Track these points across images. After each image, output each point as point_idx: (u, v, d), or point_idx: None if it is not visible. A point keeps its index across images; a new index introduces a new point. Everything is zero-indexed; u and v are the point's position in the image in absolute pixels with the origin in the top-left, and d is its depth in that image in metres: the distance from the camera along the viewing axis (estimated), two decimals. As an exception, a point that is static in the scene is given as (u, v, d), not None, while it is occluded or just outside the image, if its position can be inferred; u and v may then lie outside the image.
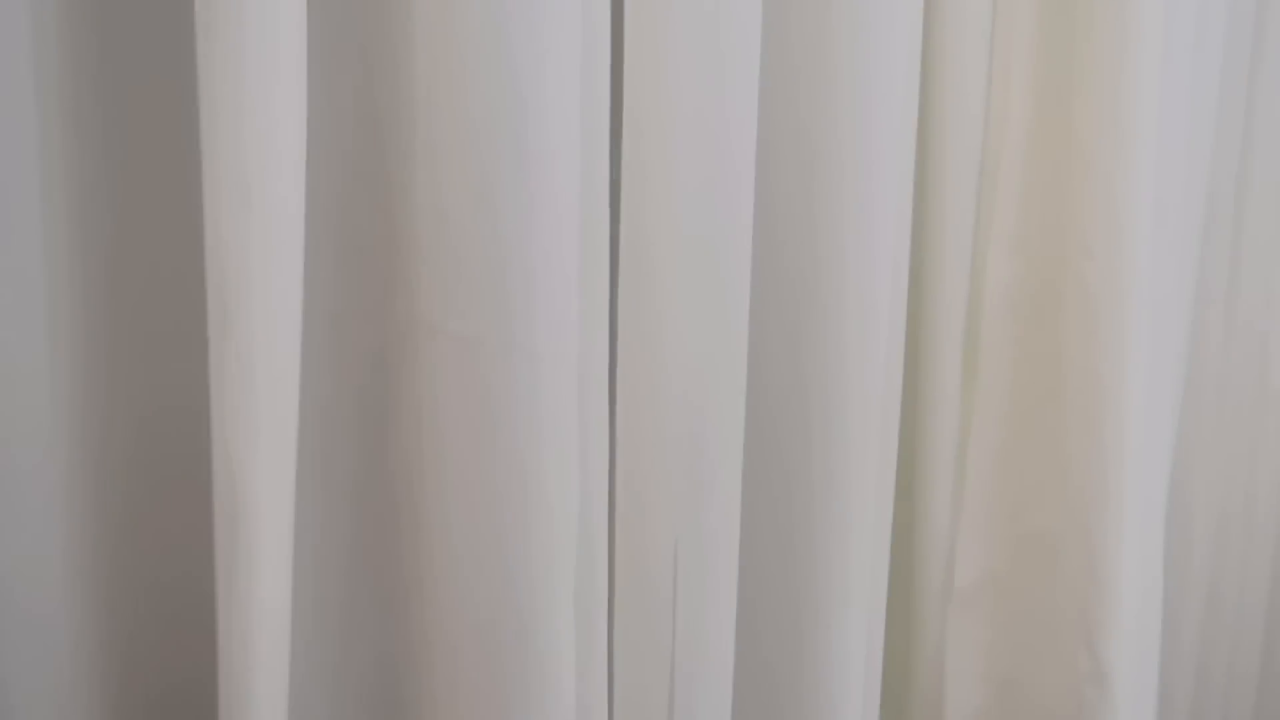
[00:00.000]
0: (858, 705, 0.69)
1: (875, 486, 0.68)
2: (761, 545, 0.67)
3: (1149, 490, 0.76)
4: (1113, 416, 0.70)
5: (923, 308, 0.75)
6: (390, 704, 0.62)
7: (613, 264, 0.58)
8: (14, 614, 0.57)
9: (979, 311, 0.74)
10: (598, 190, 0.56)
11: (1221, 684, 1.06)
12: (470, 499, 0.56)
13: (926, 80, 0.71)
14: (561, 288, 0.54)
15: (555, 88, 0.53)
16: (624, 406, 0.60)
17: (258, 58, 0.48)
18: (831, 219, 0.63)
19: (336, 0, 0.55)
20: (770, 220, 0.62)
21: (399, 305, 0.56)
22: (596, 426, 0.58)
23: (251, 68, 0.48)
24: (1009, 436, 0.76)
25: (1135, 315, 0.69)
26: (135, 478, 0.61)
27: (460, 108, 0.53)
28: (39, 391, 0.56)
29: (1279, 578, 1.08)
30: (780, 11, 0.62)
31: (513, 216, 0.53)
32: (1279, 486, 1.07)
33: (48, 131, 0.55)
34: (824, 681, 0.68)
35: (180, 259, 0.56)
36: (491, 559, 0.57)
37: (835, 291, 0.63)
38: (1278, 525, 1.10)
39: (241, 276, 0.48)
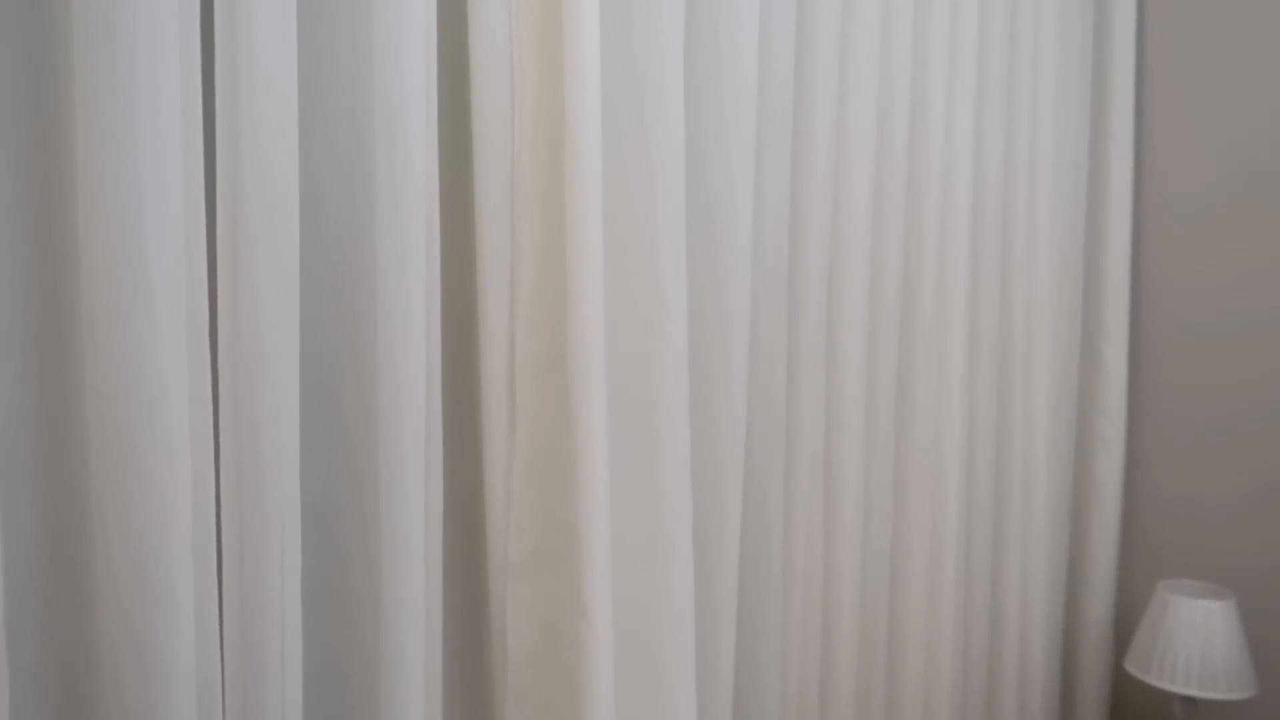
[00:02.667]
0: (421, 654, 1.02)
1: (424, 500, 1.01)
2: (336, 540, 1.00)
3: (635, 490, 1.13)
4: (581, 445, 1.06)
5: (480, 368, 1.11)
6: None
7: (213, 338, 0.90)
8: None
9: (514, 371, 1.10)
10: (198, 290, 0.87)
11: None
12: (119, 504, 0.86)
13: (468, 209, 1.07)
14: (173, 361, 0.86)
15: (166, 217, 0.82)
16: (226, 431, 0.92)
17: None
18: (370, 301, 0.97)
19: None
20: (321, 305, 0.96)
21: (69, 373, 0.87)
22: (205, 450, 0.89)
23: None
24: (539, 455, 1.11)
25: (594, 373, 1.06)
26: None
27: (105, 238, 0.83)
28: None
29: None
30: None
31: (142, 310, 0.84)
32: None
33: None
34: (390, 640, 1.00)
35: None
36: (134, 545, 0.86)
37: (374, 350, 0.97)
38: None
39: None
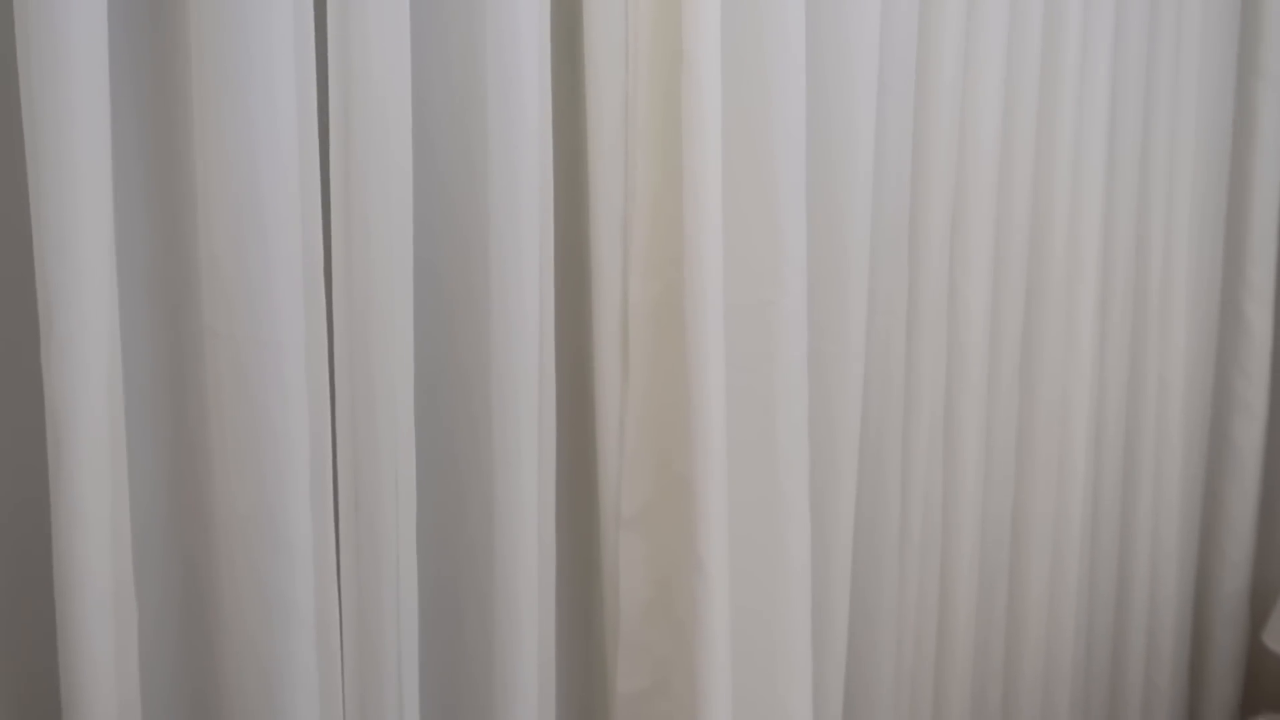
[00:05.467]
0: (535, 599, 1.00)
1: (537, 445, 0.99)
2: (450, 489, 0.98)
3: (750, 445, 1.09)
4: (697, 396, 1.02)
5: (592, 314, 1.08)
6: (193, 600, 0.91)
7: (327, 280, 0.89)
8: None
9: (627, 317, 1.06)
10: (312, 231, 0.86)
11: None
12: (239, 446, 0.86)
13: (580, 149, 1.03)
14: (289, 304, 0.85)
15: (281, 160, 0.81)
16: (341, 375, 0.91)
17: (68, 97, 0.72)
18: (484, 244, 0.94)
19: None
20: (435, 248, 0.94)
21: (189, 316, 0.87)
22: (320, 393, 0.88)
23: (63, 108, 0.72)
24: (654, 405, 1.08)
25: (712, 322, 1.02)
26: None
27: (222, 180, 0.82)
28: None
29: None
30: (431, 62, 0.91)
31: (257, 252, 0.83)
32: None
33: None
34: (504, 584, 0.98)
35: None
36: (253, 489, 0.86)
37: (488, 296, 0.94)
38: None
39: (64, 289, 0.75)
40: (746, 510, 1.12)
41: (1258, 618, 1.88)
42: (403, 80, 0.88)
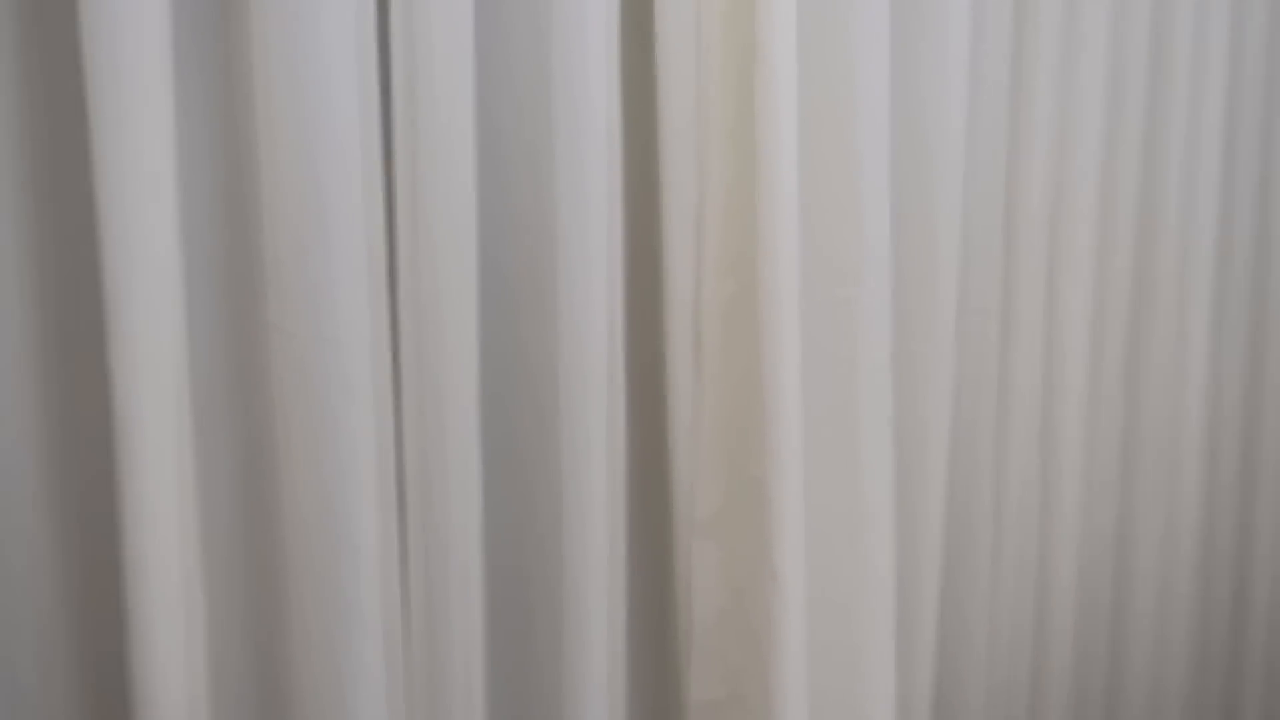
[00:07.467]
0: (604, 603, 0.98)
1: (606, 447, 0.96)
2: (517, 490, 0.97)
3: (829, 449, 1.04)
4: (772, 398, 0.98)
5: (664, 313, 1.05)
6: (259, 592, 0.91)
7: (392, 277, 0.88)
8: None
9: (700, 316, 1.03)
10: (376, 229, 0.86)
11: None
12: (304, 443, 0.86)
13: (651, 144, 1.00)
14: (353, 301, 0.84)
15: (345, 158, 0.81)
16: (407, 373, 0.90)
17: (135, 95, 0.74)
18: (551, 243, 0.92)
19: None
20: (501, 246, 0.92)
21: (254, 313, 0.87)
22: (384, 392, 0.87)
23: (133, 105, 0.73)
24: (727, 407, 1.04)
25: (787, 321, 0.97)
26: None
27: (286, 179, 0.82)
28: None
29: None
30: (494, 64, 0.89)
31: (320, 250, 0.83)
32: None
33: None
34: (573, 587, 0.96)
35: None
36: (317, 487, 0.85)
37: (555, 293, 0.92)
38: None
39: (129, 286, 0.76)
40: (826, 518, 1.07)
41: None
42: (466, 74, 0.87)
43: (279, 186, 0.81)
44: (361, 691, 0.85)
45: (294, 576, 0.86)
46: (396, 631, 0.89)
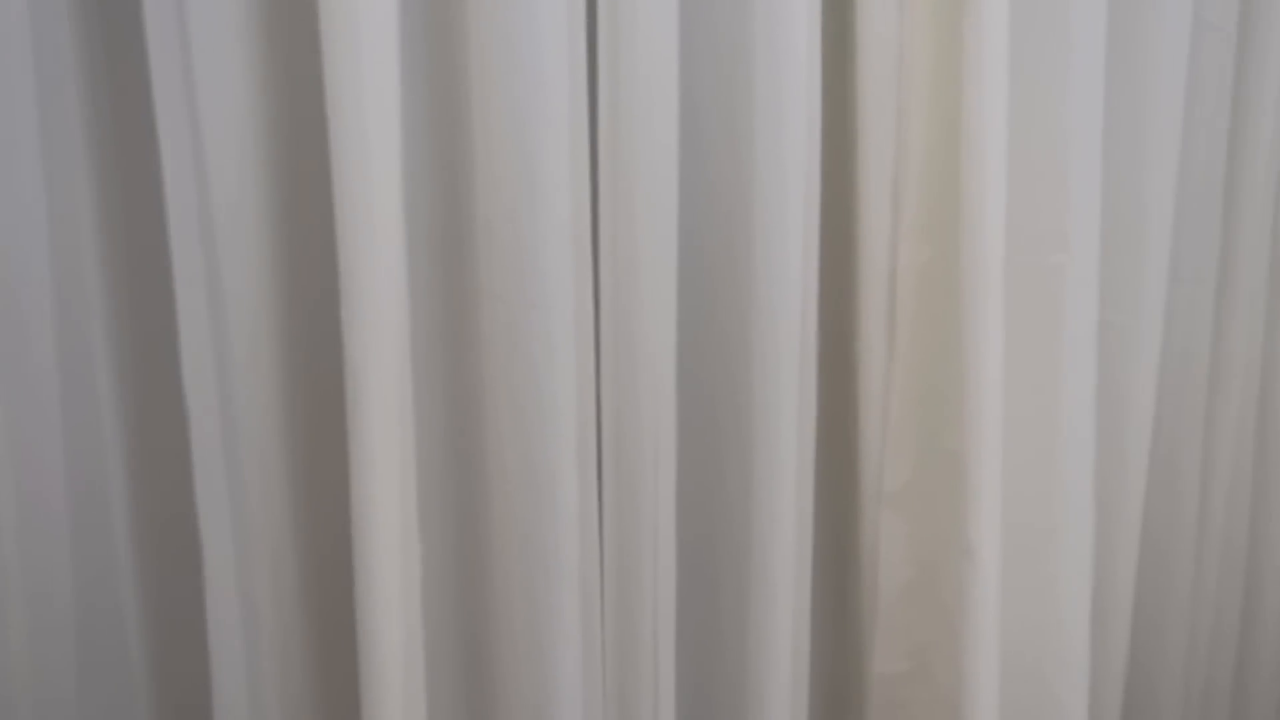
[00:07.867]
0: (791, 570, 0.97)
1: (797, 415, 0.95)
2: (709, 456, 0.97)
3: (1028, 423, 1.00)
4: (972, 369, 0.94)
5: (857, 278, 1.02)
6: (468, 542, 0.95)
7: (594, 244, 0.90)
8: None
9: (895, 284, 1.00)
10: (581, 196, 0.87)
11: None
12: (510, 402, 0.89)
13: (848, 104, 0.98)
14: (558, 267, 0.86)
15: (553, 126, 0.83)
16: (606, 338, 0.91)
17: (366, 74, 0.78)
18: (747, 209, 0.91)
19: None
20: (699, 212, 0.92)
21: (467, 276, 0.90)
22: (586, 356, 0.89)
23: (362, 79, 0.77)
24: (921, 376, 1.01)
25: (989, 289, 0.93)
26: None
27: (499, 147, 0.85)
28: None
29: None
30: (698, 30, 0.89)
31: (529, 218, 0.85)
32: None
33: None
34: (761, 554, 0.96)
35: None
36: (522, 445, 0.88)
37: (750, 261, 0.92)
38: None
39: (361, 252, 0.81)
40: (1021, 494, 1.03)
41: None
42: (669, 45, 0.87)
43: (493, 155, 0.84)
44: (559, 641, 0.88)
45: (498, 528, 0.89)
46: (594, 587, 0.91)
